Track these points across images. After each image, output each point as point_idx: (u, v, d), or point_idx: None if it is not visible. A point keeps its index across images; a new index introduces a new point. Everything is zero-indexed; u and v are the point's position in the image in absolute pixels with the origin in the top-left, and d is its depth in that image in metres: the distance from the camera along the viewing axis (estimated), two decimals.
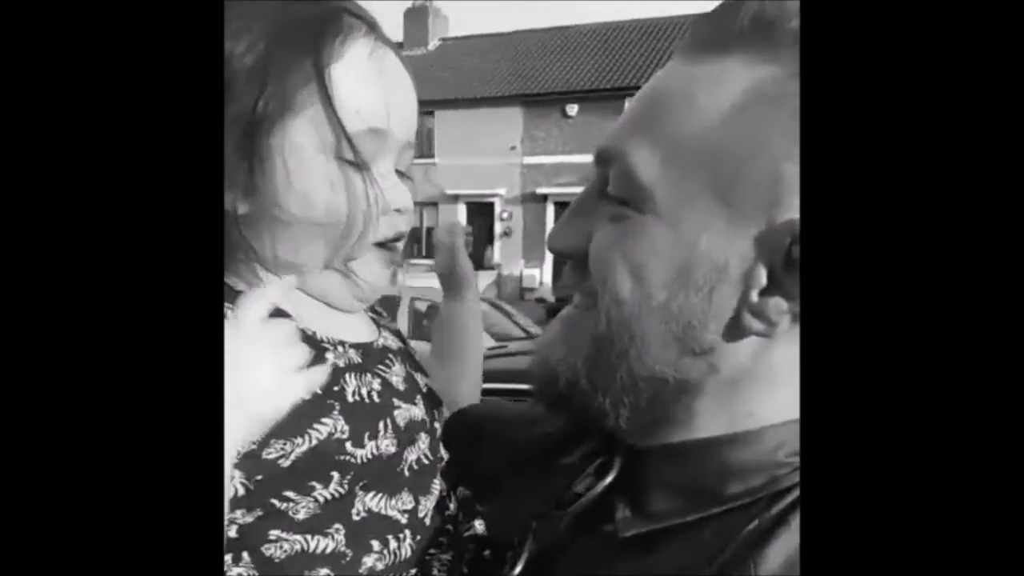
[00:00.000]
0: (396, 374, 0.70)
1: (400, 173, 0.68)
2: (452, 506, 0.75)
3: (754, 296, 0.56)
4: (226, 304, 0.58)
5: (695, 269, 0.56)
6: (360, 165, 0.62)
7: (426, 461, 0.70)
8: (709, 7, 0.61)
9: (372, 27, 0.65)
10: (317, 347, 0.63)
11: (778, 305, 0.55)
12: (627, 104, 0.64)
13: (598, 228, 0.61)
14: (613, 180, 0.60)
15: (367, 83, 0.63)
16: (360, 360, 0.66)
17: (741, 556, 0.53)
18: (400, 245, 0.69)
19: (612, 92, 19.46)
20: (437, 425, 0.74)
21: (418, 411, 0.70)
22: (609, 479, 0.64)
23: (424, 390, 0.74)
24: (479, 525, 0.74)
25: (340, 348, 0.65)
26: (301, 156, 0.61)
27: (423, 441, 0.71)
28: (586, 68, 20.76)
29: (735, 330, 0.57)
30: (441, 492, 0.73)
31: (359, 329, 0.71)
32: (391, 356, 0.71)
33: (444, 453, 0.75)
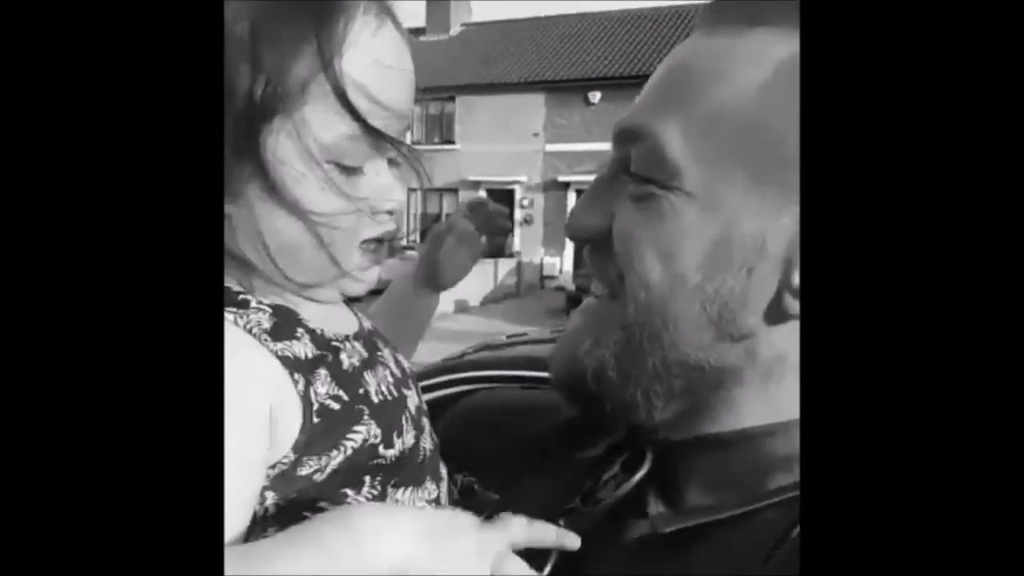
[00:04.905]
0: (388, 359, 0.66)
1: (392, 162, 0.61)
2: (455, 490, 0.73)
3: (796, 278, 0.53)
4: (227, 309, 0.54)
5: (732, 249, 0.54)
6: (355, 168, 0.57)
7: (432, 445, 0.68)
8: None
9: None
10: (328, 347, 0.59)
11: None
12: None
13: (620, 208, 0.59)
14: (638, 158, 0.57)
15: (369, 73, 0.55)
16: (366, 352, 0.63)
17: (794, 555, 0.49)
18: (385, 243, 0.63)
19: (635, 79, 19.32)
20: (424, 406, 0.71)
21: (414, 394, 0.67)
22: (642, 473, 0.62)
23: (408, 370, 0.70)
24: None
25: (348, 344, 0.61)
26: (295, 156, 0.54)
27: (427, 425, 0.68)
28: (609, 55, 20.65)
29: (775, 313, 0.55)
30: (446, 476, 0.71)
31: (345, 316, 0.66)
32: (376, 339, 0.67)
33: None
